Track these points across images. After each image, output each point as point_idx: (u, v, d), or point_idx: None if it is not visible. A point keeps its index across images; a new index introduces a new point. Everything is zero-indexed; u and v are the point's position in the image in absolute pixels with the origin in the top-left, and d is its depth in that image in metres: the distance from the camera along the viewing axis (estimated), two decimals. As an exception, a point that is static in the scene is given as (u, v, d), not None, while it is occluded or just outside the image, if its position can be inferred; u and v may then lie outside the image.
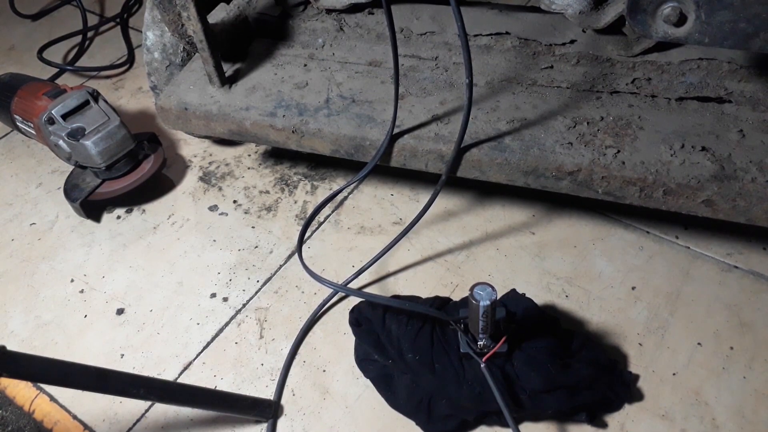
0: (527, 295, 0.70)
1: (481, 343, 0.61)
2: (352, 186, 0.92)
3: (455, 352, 0.64)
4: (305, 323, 0.75)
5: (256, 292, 0.80)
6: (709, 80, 0.71)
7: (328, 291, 0.78)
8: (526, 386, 0.62)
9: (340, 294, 0.78)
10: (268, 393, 0.70)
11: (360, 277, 0.80)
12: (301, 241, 0.80)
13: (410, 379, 0.65)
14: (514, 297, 0.70)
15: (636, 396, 0.67)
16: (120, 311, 0.79)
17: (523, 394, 0.61)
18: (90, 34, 1.34)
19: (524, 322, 0.66)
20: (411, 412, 0.66)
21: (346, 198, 0.91)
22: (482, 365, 0.60)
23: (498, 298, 0.57)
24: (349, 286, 0.78)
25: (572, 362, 0.64)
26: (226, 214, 0.91)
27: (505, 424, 0.65)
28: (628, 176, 0.65)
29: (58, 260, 0.86)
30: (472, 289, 0.57)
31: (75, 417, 0.70)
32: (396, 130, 0.72)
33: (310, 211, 0.89)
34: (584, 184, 0.68)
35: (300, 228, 0.85)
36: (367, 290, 0.79)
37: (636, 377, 0.68)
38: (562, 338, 0.67)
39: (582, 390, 0.63)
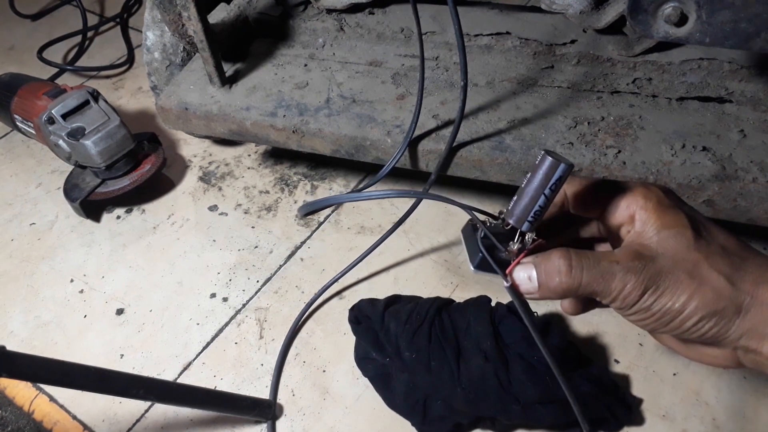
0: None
1: (513, 245, 0.40)
2: (351, 187, 0.93)
3: (452, 351, 0.64)
4: (297, 316, 0.76)
5: (256, 292, 0.80)
6: (710, 80, 0.71)
7: (328, 290, 0.78)
8: (520, 396, 0.61)
9: (335, 288, 0.78)
10: (267, 393, 0.70)
11: (359, 276, 0.80)
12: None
13: (407, 378, 0.65)
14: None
15: (636, 420, 0.65)
16: (120, 311, 0.79)
17: (516, 405, 0.61)
18: (90, 34, 1.34)
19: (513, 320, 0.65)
20: (407, 412, 0.65)
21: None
22: (506, 284, 0.40)
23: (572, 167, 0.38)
24: (338, 284, 0.78)
25: (573, 377, 0.63)
26: (226, 214, 0.91)
27: (498, 429, 0.64)
28: (629, 176, 0.65)
29: (58, 260, 0.86)
30: (543, 150, 0.38)
31: (75, 417, 0.69)
32: (396, 130, 0.72)
33: (310, 211, 0.90)
34: (585, 184, 0.68)
35: (300, 228, 0.85)
36: (365, 291, 0.79)
37: (639, 401, 0.66)
38: (565, 351, 0.66)
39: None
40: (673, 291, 0.36)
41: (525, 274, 0.39)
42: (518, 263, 0.39)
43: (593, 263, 0.38)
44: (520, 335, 0.64)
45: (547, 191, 0.38)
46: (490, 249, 0.40)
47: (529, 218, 0.39)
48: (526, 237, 0.40)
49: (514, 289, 0.39)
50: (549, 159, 0.38)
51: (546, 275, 0.38)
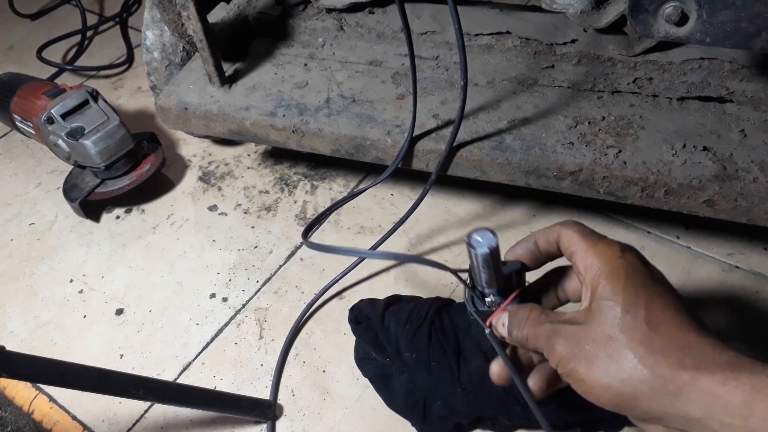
0: None
1: (489, 299, 0.50)
2: (351, 186, 0.93)
3: (453, 351, 0.64)
4: (298, 317, 0.76)
5: (256, 293, 0.80)
6: (710, 80, 0.71)
7: (329, 290, 0.78)
8: (521, 396, 0.61)
9: (336, 288, 0.78)
10: (267, 393, 0.70)
11: (360, 276, 0.80)
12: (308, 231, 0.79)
13: (407, 378, 0.65)
14: None
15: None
16: (119, 311, 0.79)
17: (517, 405, 0.61)
18: (89, 33, 1.34)
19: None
20: (407, 412, 0.65)
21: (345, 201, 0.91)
22: (486, 331, 0.49)
23: (497, 246, 0.45)
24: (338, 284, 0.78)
25: None
26: (226, 214, 0.90)
27: (499, 430, 0.64)
28: (629, 176, 0.65)
29: (58, 260, 0.86)
30: (469, 235, 0.46)
31: (74, 417, 0.69)
32: (397, 130, 0.72)
33: (309, 211, 0.89)
34: (586, 184, 0.68)
35: (300, 228, 0.85)
36: (365, 291, 0.79)
37: None
38: None
39: (578, 408, 0.61)
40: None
41: (501, 321, 0.46)
42: (497, 314, 0.47)
43: (538, 323, 0.43)
44: None
45: (482, 268, 0.46)
46: (476, 301, 0.50)
47: (485, 286, 0.48)
48: (492, 297, 0.48)
49: (492, 334, 0.48)
50: (469, 250, 0.45)
51: (511, 325, 0.45)
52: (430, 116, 0.74)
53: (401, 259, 0.53)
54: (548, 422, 0.61)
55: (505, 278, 0.49)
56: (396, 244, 0.83)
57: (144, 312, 0.79)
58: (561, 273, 0.49)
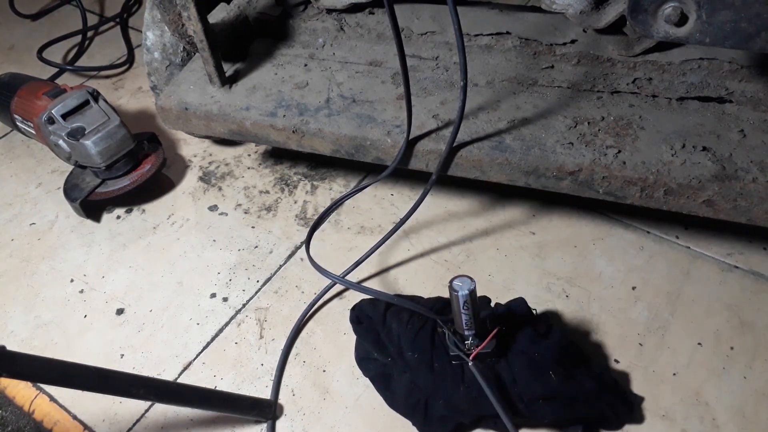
0: (527, 296, 0.70)
1: (468, 341, 0.61)
2: (351, 186, 0.93)
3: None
4: (299, 317, 0.76)
5: (256, 292, 0.80)
6: (710, 80, 0.71)
7: (329, 290, 0.78)
8: (524, 391, 0.61)
9: (337, 288, 0.78)
10: (267, 393, 0.70)
11: (360, 276, 0.80)
12: (310, 238, 0.80)
13: (409, 378, 0.65)
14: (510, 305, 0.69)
15: (638, 419, 0.65)
16: (120, 311, 0.79)
17: (521, 402, 0.61)
18: (90, 33, 1.34)
19: (513, 320, 0.65)
20: (408, 411, 0.65)
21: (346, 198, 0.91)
22: (470, 364, 0.60)
23: (474, 288, 0.58)
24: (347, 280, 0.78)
25: (575, 373, 0.63)
26: (226, 214, 0.90)
27: (501, 429, 0.64)
28: (629, 176, 0.65)
29: (58, 260, 0.86)
30: (451, 281, 0.58)
31: (75, 417, 0.69)
32: (396, 130, 0.72)
33: (310, 211, 0.90)
34: (585, 184, 0.68)
35: (300, 228, 0.85)
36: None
37: (641, 399, 0.66)
38: (566, 349, 0.66)
39: (580, 403, 0.62)
40: None
41: None
42: (479, 351, 0.60)
43: None
44: (521, 332, 0.64)
45: (463, 311, 0.58)
46: (457, 343, 0.61)
47: (465, 328, 0.60)
48: (471, 339, 0.60)
49: (476, 366, 0.59)
50: (451, 293, 0.57)
51: None
52: (430, 116, 0.74)
53: (392, 300, 0.65)
54: (552, 419, 0.61)
55: (481, 322, 0.60)
56: (396, 243, 0.84)
57: (144, 312, 0.79)
58: None
